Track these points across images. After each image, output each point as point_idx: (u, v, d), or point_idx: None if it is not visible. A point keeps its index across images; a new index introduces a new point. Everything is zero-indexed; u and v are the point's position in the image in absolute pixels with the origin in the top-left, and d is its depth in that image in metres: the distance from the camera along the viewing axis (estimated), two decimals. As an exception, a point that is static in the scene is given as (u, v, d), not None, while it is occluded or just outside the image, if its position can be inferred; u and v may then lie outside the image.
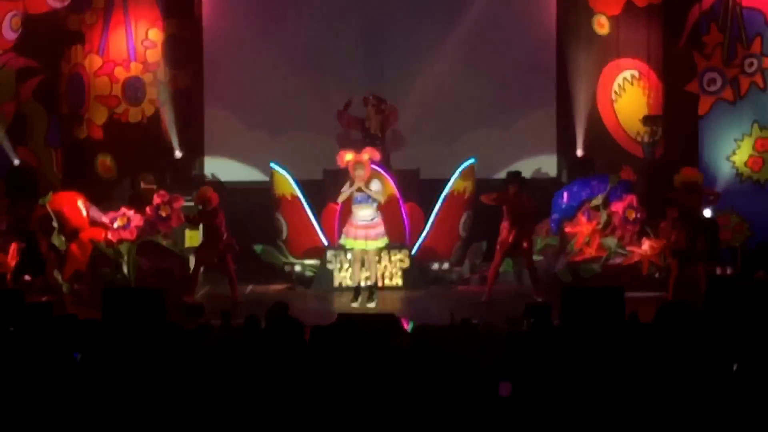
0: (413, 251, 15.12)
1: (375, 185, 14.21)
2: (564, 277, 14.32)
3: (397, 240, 14.84)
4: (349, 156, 14.01)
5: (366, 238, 13.79)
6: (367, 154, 14.07)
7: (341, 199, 14.01)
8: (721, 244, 13.90)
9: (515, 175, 14.05)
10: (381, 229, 13.83)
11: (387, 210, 14.30)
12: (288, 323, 7.53)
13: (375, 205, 13.79)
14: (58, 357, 7.24)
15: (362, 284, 13.82)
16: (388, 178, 15.14)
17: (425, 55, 16.49)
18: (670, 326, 7.93)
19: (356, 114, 15.92)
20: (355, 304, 13.63)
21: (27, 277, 13.44)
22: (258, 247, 15.40)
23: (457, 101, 16.59)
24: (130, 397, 6.67)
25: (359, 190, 13.75)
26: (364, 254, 13.83)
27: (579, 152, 16.23)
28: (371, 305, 13.55)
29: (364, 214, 13.77)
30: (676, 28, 15.74)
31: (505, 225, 13.92)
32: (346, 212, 14.44)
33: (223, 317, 9.89)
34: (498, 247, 14.07)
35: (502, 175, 14.67)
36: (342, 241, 14.09)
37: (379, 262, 14.42)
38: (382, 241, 13.96)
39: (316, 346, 7.52)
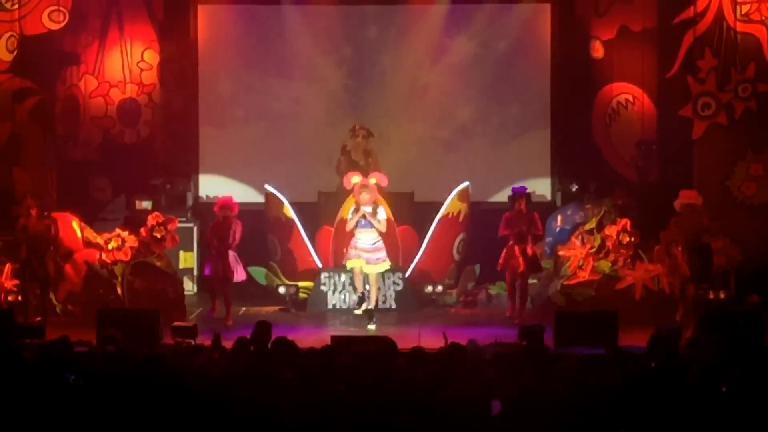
0: (407, 274, 15.12)
1: (381, 213, 14.20)
2: (557, 300, 14.32)
3: (391, 262, 14.83)
4: (356, 179, 14.01)
5: (368, 262, 13.90)
6: (375, 178, 14.07)
7: (350, 227, 14.02)
8: (714, 267, 13.92)
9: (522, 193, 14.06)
10: (383, 253, 13.90)
11: (383, 233, 14.32)
12: (276, 343, 7.52)
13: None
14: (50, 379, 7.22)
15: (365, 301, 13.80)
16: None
17: (420, 79, 16.54)
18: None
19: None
20: (371, 326, 13.45)
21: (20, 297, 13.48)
22: (252, 269, 15.38)
23: (452, 124, 16.63)
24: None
25: (364, 217, 13.78)
26: (366, 275, 13.86)
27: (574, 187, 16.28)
28: (372, 327, 13.49)
29: (367, 237, 13.82)
30: (670, 53, 15.77)
31: (509, 247, 13.87)
32: (341, 235, 14.44)
33: (214, 338, 9.91)
34: (505, 270, 14.05)
35: (496, 198, 14.63)
36: (345, 263, 14.13)
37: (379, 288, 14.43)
38: (384, 266, 14.01)
39: (310, 368, 7.50)
